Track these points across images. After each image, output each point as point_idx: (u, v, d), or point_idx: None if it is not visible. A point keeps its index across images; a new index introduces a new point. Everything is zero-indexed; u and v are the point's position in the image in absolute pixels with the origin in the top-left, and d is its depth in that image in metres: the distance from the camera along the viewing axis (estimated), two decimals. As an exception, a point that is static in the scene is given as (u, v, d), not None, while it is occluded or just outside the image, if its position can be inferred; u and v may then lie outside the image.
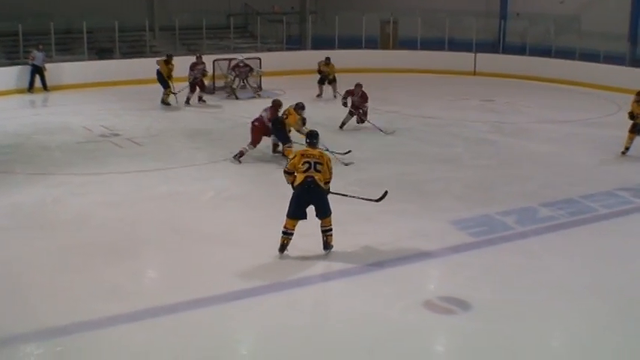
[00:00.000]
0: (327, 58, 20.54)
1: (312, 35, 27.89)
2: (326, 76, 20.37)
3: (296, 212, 8.25)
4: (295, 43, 28.03)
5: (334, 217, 8.39)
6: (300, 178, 8.28)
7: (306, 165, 8.28)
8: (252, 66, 20.41)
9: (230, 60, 21.07)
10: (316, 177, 8.23)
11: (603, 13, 24.17)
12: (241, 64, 20.31)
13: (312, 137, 8.64)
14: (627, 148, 13.39)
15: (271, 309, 7.18)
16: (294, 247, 8.41)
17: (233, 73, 20.21)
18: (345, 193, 8.97)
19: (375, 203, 9.06)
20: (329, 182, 8.49)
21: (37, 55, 20.63)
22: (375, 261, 8.31)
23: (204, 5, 26.30)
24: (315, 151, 8.46)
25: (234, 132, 15.44)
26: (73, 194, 10.92)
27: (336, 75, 20.09)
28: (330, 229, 8.40)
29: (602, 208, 10.41)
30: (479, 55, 25.68)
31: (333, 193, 8.57)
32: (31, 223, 9.65)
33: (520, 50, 25.48)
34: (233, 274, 7.89)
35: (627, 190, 11.23)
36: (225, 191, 11.18)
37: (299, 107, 12.75)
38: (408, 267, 8.26)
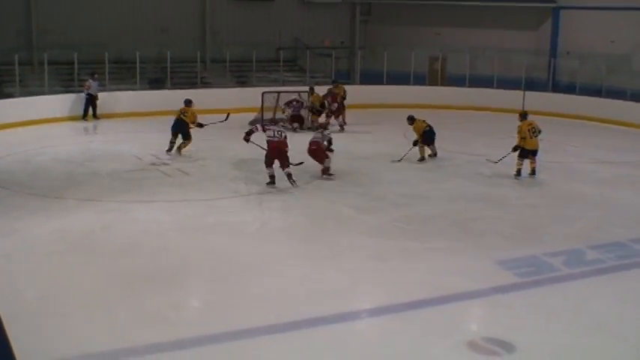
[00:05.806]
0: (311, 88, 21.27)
1: (360, 70, 28.04)
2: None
3: None
4: (343, 77, 28.18)
5: (378, 252, 8.37)
6: None
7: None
8: (302, 100, 20.65)
9: (278, 93, 21.30)
10: None
11: (656, 53, 23.81)
12: (294, 102, 20.57)
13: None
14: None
15: (310, 345, 7.17)
16: (335, 281, 8.42)
17: (289, 109, 20.42)
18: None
19: (422, 241, 9.02)
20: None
21: (92, 84, 21.15)
22: (419, 298, 8.26)
23: (254, 39, 26.69)
24: None
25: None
26: (121, 222, 11.09)
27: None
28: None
29: (652, 253, 10.18)
30: (528, 93, 25.48)
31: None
32: (79, 248, 9.82)
33: (570, 89, 25.16)
34: (275, 307, 7.92)
35: (679, 235, 10.97)
36: (270, 223, 11.23)
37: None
38: (452, 305, 8.18)
